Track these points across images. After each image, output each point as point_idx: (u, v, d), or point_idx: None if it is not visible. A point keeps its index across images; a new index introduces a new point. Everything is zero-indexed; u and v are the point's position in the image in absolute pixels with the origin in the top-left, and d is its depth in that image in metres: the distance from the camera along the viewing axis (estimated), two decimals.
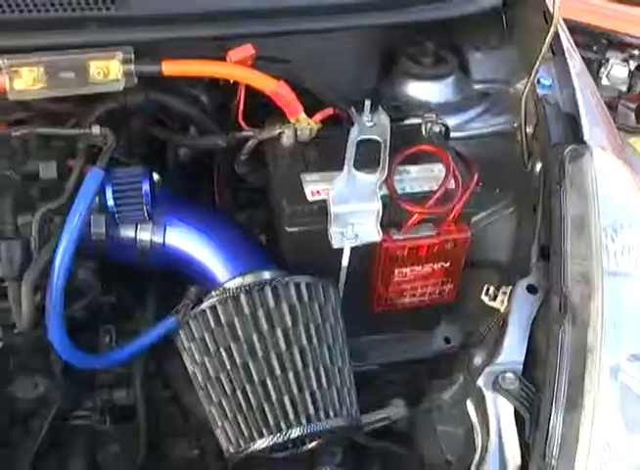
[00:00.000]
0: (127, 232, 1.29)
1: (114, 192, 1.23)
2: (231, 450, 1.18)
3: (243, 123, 1.37)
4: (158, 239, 1.30)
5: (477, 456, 1.25)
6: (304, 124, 1.33)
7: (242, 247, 1.32)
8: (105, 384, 1.45)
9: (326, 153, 1.34)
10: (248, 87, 1.34)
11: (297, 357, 1.18)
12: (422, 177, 1.33)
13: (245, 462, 1.20)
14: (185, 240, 1.31)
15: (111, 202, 1.23)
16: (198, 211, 1.35)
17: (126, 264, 1.34)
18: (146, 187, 1.24)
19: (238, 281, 1.25)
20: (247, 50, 1.30)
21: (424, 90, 1.53)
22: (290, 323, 1.19)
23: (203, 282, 1.30)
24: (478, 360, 1.40)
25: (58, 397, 1.37)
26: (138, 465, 1.43)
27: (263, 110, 1.36)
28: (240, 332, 1.18)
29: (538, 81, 1.47)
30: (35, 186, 1.25)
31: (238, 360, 1.18)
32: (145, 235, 1.29)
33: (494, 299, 1.34)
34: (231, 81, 1.33)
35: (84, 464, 1.37)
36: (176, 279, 1.35)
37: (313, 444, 1.25)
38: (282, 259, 1.31)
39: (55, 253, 1.19)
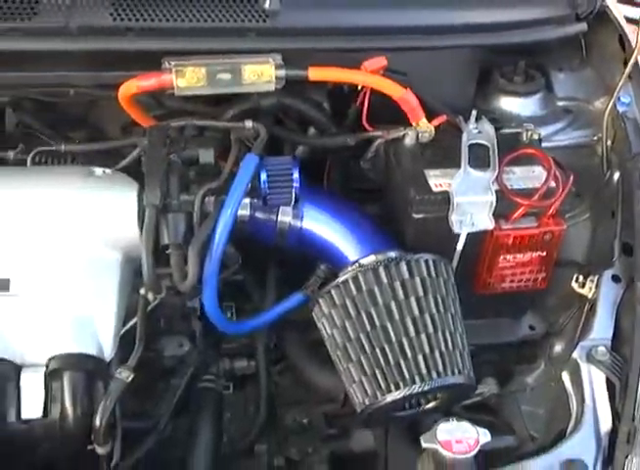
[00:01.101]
0: (269, 215, 1.47)
1: (268, 176, 1.42)
2: (367, 402, 1.35)
3: (367, 125, 1.56)
4: (296, 222, 1.48)
5: (572, 421, 1.44)
6: (424, 128, 1.53)
7: (370, 230, 1.50)
8: (228, 353, 1.62)
9: (441, 153, 1.53)
10: (371, 94, 1.54)
11: (429, 322, 1.36)
12: (525, 177, 1.52)
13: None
14: (319, 223, 1.49)
15: (263, 185, 1.42)
16: (329, 198, 1.54)
17: (262, 245, 1.52)
18: (295, 174, 1.42)
19: (371, 259, 1.43)
20: (380, 61, 1.50)
21: (515, 105, 1.74)
22: (421, 293, 1.37)
23: (332, 261, 1.49)
24: (558, 349, 1.61)
25: (195, 358, 1.52)
26: (257, 429, 1.60)
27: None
28: (379, 299, 1.36)
29: (618, 99, 1.68)
30: (193, 169, 1.44)
31: (377, 323, 1.35)
32: (285, 218, 1.47)
33: (583, 286, 1.54)
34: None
35: (212, 424, 1.52)
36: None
37: (431, 404, 1.42)
38: (401, 245, 1.49)
39: (215, 227, 1.38)
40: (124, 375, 1.28)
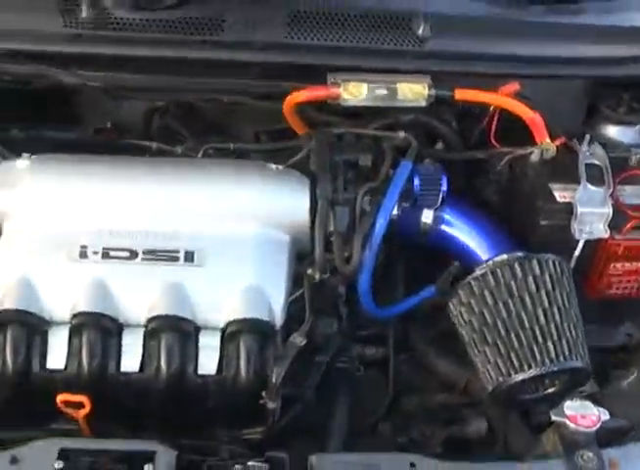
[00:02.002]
0: (415, 215, 1.67)
1: (420, 181, 1.63)
2: (500, 380, 1.54)
3: (494, 142, 1.78)
4: (436, 223, 1.68)
5: None
6: (548, 147, 1.74)
7: (499, 234, 1.70)
8: (360, 339, 1.81)
9: (561, 170, 1.73)
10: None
11: (556, 313, 1.55)
12: (635, 194, 1.72)
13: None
14: (456, 226, 1.69)
15: (416, 188, 1.63)
16: (464, 204, 1.74)
17: (403, 241, 1.72)
18: (444, 181, 1.64)
19: (503, 257, 1.63)
20: (514, 86, 1.72)
21: (618, 133, 1.94)
22: (550, 287, 1.57)
23: (464, 259, 1.69)
24: None
25: (339, 339, 1.71)
26: (383, 409, 1.78)
27: None
28: (514, 291, 1.56)
29: None
30: (351, 171, 1.65)
31: (513, 312, 1.55)
32: (428, 219, 1.68)
33: None
34: None
35: (347, 401, 1.70)
36: None
37: (550, 390, 1.61)
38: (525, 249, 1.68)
39: (374, 221, 1.59)
40: (298, 340, 1.47)
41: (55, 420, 1.50)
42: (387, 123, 1.77)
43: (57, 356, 1.46)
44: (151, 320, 1.46)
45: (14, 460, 1.34)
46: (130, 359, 1.46)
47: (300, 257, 1.61)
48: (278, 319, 1.51)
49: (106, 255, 1.50)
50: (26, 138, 1.91)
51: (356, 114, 1.77)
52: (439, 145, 1.86)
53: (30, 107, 1.89)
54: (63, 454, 1.35)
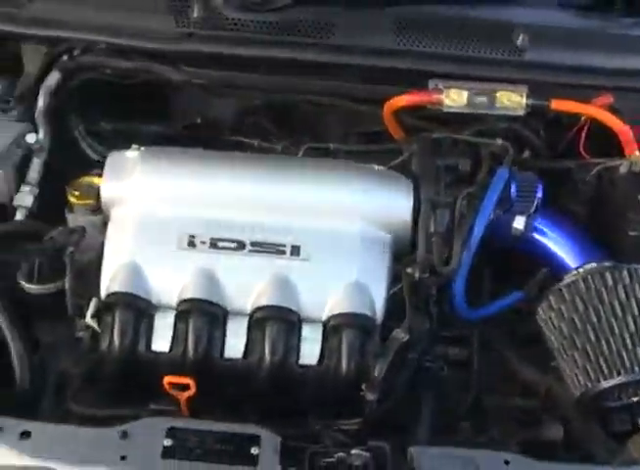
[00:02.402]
0: (508, 221, 1.71)
1: (517, 188, 1.67)
2: (588, 385, 1.58)
3: (583, 152, 1.81)
4: (528, 230, 1.72)
5: None
6: (638, 159, 1.78)
7: (588, 243, 1.74)
8: (444, 340, 1.85)
9: None
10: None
11: None
12: None
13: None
14: (547, 233, 1.73)
15: (513, 195, 1.68)
16: (554, 212, 1.78)
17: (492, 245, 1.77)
18: (540, 189, 1.68)
19: (592, 266, 1.66)
20: (608, 98, 1.76)
21: None
22: None
23: (553, 267, 1.72)
24: None
25: (428, 337, 1.75)
26: (464, 408, 1.82)
27: None
28: (605, 298, 1.59)
29: None
30: (452, 175, 1.70)
31: (603, 318, 1.58)
32: (520, 225, 1.72)
33: None
34: None
35: (433, 401, 1.72)
36: None
37: (635, 399, 1.64)
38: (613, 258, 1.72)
39: (472, 224, 1.64)
40: (400, 335, 1.52)
41: (154, 400, 1.56)
42: (479, 130, 1.81)
43: (162, 339, 1.52)
44: (257, 310, 1.52)
45: (124, 435, 1.39)
46: (234, 346, 1.52)
47: (397, 256, 1.65)
48: (379, 315, 1.55)
49: (214, 245, 1.56)
50: (114, 131, 2.00)
51: (448, 119, 1.83)
52: (526, 153, 1.90)
53: (119, 101, 1.97)
54: (171, 432, 1.40)
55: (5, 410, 1.45)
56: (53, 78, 1.86)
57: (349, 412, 1.57)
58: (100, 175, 1.73)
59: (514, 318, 1.82)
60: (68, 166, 1.86)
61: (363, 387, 1.51)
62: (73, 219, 1.70)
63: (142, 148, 1.69)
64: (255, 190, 1.62)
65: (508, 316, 1.83)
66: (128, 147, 1.83)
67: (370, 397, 1.51)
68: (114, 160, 1.68)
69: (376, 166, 1.69)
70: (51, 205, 1.78)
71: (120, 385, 1.58)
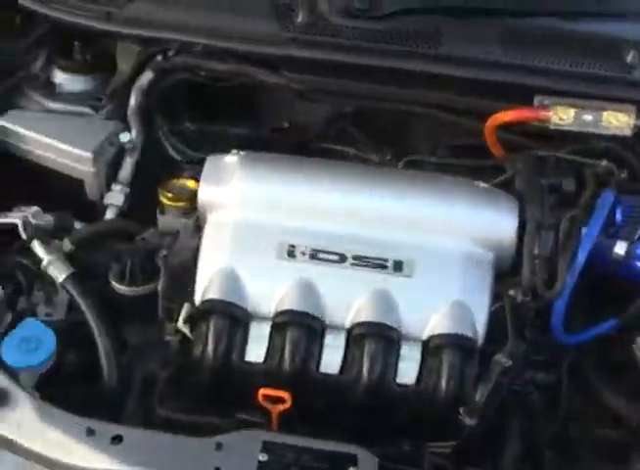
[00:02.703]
0: (609, 245, 1.64)
1: (623, 212, 1.62)
2: None
3: None
4: (629, 255, 1.64)
5: None
6: None
7: None
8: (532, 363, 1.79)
9: None
10: None
11: None
12: None
13: None
14: None
15: (619, 219, 1.62)
16: None
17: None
18: None
19: None
20: None
21: None
22: None
23: None
24: None
25: (521, 361, 1.65)
26: (549, 434, 1.76)
27: None
28: None
29: None
30: (556, 195, 1.64)
31: None
32: (621, 250, 1.65)
33: None
34: None
35: (521, 422, 1.66)
36: None
37: None
38: None
39: (576, 248, 1.57)
40: (503, 360, 1.47)
41: (241, 409, 1.52)
42: (578, 149, 1.76)
43: (257, 350, 1.49)
44: (356, 325, 1.48)
45: (219, 447, 1.37)
46: (331, 361, 1.48)
47: (497, 275, 1.60)
48: (480, 337, 1.51)
49: (314, 256, 1.52)
50: (199, 132, 1.98)
51: (548, 137, 1.77)
52: (623, 174, 1.83)
53: (204, 102, 1.95)
54: (266, 447, 1.37)
55: (91, 408, 1.45)
56: (146, 78, 1.84)
57: (442, 434, 1.53)
58: (192, 178, 1.71)
59: (606, 345, 1.77)
60: (153, 166, 1.84)
61: (461, 411, 1.47)
62: (164, 221, 1.67)
63: (241, 153, 1.65)
64: (358, 201, 1.58)
65: (599, 343, 1.78)
66: (212, 149, 1.82)
67: (469, 421, 1.46)
68: (212, 163, 1.65)
69: (481, 183, 1.65)
70: (140, 205, 1.76)
71: (209, 392, 1.55)
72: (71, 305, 1.60)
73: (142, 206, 1.75)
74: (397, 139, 1.94)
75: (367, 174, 1.67)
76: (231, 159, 1.64)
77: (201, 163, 1.89)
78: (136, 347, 1.62)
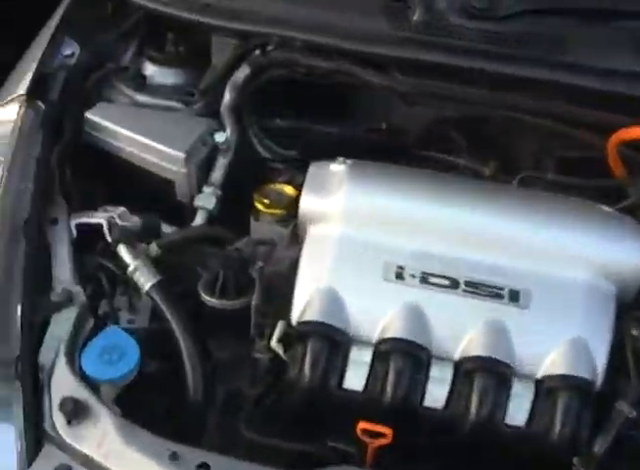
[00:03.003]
0: None
1: None
2: None
3: None
4: None
5: None
6: None
7: None
8: None
9: None
10: None
11: None
12: None
13: None
14: None
15: None
16: None
17: None
18: None
19: None
20: None
21: None
22: None
23: None
24: None
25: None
26: None
27: None
28: None
29: None
30: None
31: None
32: None
33: None
34: None
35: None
36: None
37: None
38: None
39: None
40: (627, 410, 1.33)
41: (331, 437, 1.41)
42: None
43: (356, 377, 1.37)
44: (466, 359, 1.36)
45: None
46: (436, 395, 1.36)
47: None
48: (599, 379, 1.37)
49: (424, 280, 1.40)
50: (289, 129, 1.86)
51: None
52: None
53: (296, 98, 1.83)
54: None
55: (171, 421, 1.40)
56: (242, 73, 1.73)
57: None
58: (288, 183, 1.61)
59: None
60: (245, 167, 1.74)
61: (575, 461, 1.33)
62: (258, 228, 1.57)
63: (348, 161, 1.53)
64: (475, 222, 1.45)
65: None
66: (303, 147, 1.75)
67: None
68: (316, 171, 1.54)
69: (605, 208, 1.51)
70: (230, 209, 1.66)
71: (300, 416, 1.45)
72: (155, 312, 1.50)
73: (232, 209, 1.65)
74: (502, 149, 1.81)
75: (485, 192, 1.54)
76: (337, 167, 1.52)
77: (292, 162, 1.82)
78: (222, 361, 1.52)
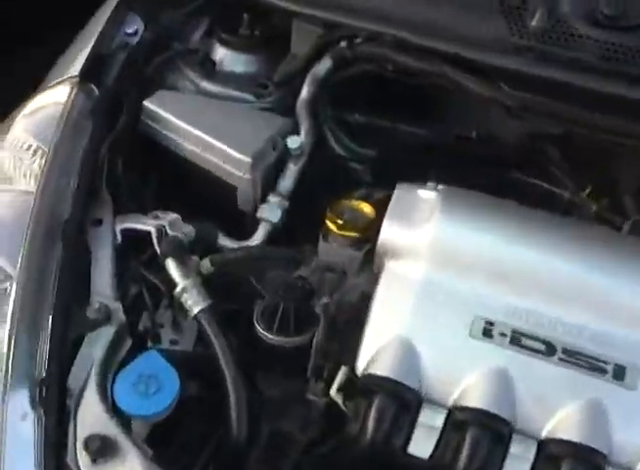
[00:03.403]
0: None
1: None
2: None
3: None
4: None
5: None
6: None
7: None
8: None
9: None
10: None
11: None
12: None
13: None
14: None
15: None
16: None
17: None
18: None
19: None
20: None
21: None
22: None
23: None
24: None
25: None
26: None
27: None
28: None
29: None
30: None
31: None
32: None
33: None
34: None
35: None
36: None
37: None
38: None
39: None
40: None
41: None
42: None
43: (424, 443, 1.18)
44: (555, 442, 1.15)
45: None
46: None
47: None
48: None
49: (516, 340, 1.19)
50: (370, 126, 1.67)
51: None
52: None
53: (379, 95, 1.64)
54: None
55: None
56: (324, 66, 1.54)
57: None
58: (366, 200, 1.40)
59: None
60: (320, 173, 1.55)
61: None
62: (327, 249, 1.37)
63: (440, 187, 1.32)
64: (585, 278, 1.23)
65: None
66: (382, 146, 1.58)
67: None
68: (403, 195, 1.32)
69: None
70: (299, 220, 1.47)
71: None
72: (201, 335, 1.33)
73: (301, 221, 1.46)
74: (600, 174, 1.59)
75: (601, 242, 1.30)
76: (428, 194, 1.31)
77: (370, 162, 1.63)
78: (272, 399, 1.34)
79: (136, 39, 1.54)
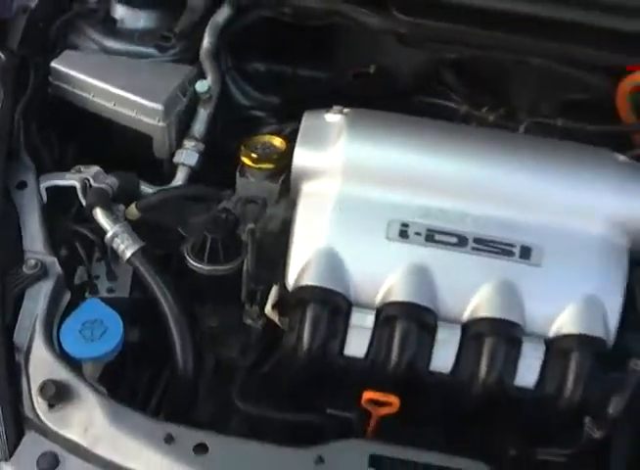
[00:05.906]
0: None
1: None
2: None
3: None
4: None
5: None
6: None
7: None
8: None
9: None
10: None
11: None
12: None
13: None
14: None
15: None
16: None
17: None
18: None
19: None
20: None
21: None
22: None
23: None
24: None
25: None
26: None
27: None
28: None
29: None
30: None
31: None
32: None
33: None
34: None
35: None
36: None
37: None
38: None
39: None
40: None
41: (330, 404, 1.34)
42: None
43: (358, 344, 1.28)
44: (476, 321, 1.27)
45: (320, 460, 1.18)
46: (442, 359, 1.28)
47: None
48: (610, 337, 1.29)
49: (430, 237, 1.30)
50: (268, 73, 1.76)
51: None
52: None
53: (274, 40, 1.72)
54: (374, 462, 1.19)
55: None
56: (222, 15, 1.61)
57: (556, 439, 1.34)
58: (276, 134, 1.49)
59: None
60: (226, 117, 1.62)
61: (587, 421, 1.27)
62: (244, 184, 1.45)
63: (346, 110, 1.41)
64: (484, 174, 1.34)
65: None
66: (284, 92, 1.64)
67: (597, 434, 1.26)
68: (311, 122, 1.40)
69: (621, 156, 1.41)
70: (213, 164, 1.54)
71: (297, 385, 1.36)
72: (136, 279, 1.39)
73: (216, 164, 1.53)
74: (497, 91, 1.71)
75: (494, 142, 1.42)
76: (334, 117, 1.39)
77: (273, 110, 1.69)
78: (211, 330, 1.43)
79: (35, 2, 1.57)
